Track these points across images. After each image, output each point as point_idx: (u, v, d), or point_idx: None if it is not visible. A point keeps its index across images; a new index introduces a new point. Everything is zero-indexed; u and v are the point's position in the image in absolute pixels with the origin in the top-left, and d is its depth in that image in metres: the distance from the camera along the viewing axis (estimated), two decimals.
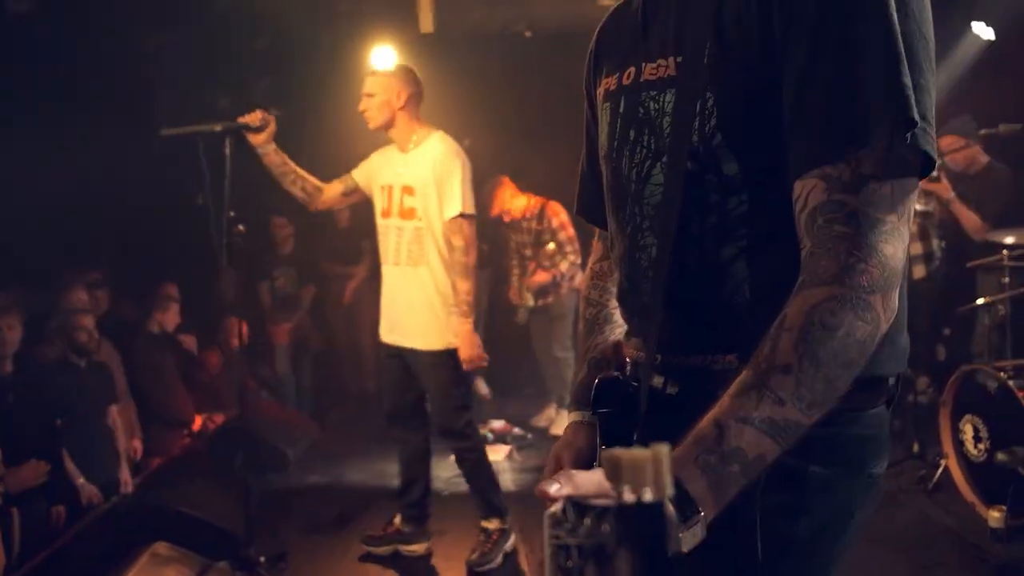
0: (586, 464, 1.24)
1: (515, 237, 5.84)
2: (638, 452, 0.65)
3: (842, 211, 0.96)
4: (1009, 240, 4.10)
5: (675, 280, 1.12)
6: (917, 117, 0.95)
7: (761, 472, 0.93)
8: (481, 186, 5.86)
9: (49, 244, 5.41)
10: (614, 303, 1.39)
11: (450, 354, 3.51)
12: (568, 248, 5.60)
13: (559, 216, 5.63)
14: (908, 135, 0.95)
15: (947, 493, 4.01)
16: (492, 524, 3.73)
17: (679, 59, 1.11)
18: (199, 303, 5.99)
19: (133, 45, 5.58)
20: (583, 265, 5.68)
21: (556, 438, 4.99)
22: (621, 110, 1.21)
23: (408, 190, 3.48)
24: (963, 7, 5.79)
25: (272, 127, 3.46)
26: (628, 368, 1.29)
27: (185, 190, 5.73)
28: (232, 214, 3.40)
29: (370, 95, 3.46)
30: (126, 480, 4.50)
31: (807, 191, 0.99)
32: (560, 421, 5.78)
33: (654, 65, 1.16)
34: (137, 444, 4.87)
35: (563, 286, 5.67)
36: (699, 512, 0.87)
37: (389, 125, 3.49)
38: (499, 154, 6.25)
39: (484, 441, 3.79)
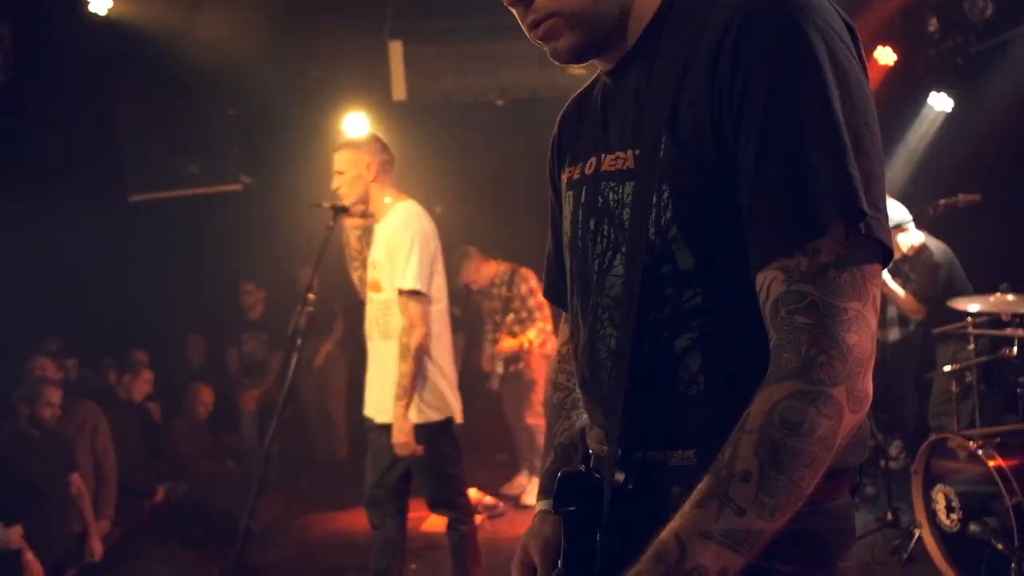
0: (553, 555, 1.22)
1: (486, 304, 5.84)
2: None
3: (803, 301, 0.95)
4: (973, 308, 4.15)
5: (632, 373, 1.11)
6: (866, 207, 0.96)
7: None
8: (450, 254, 5.90)
9: (9, 315, 5.31)
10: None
11: (424, 428, 3.37)
12: (537, 315, 5.61)
13: (528, 282, 5.65)
14: (862, 225, 0.96)
15: (922, 564, 3.97)
16: None
17: (636, 152, 1.12)
18: (165, 369, 5.90)
19: (102, 113, 5.58)
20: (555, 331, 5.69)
21: (527, 507, 4.92)
22: (583, 200, 1.22)
23: (373, 263, 3.47)
24: (920, 77, 5.99)
25: (366, 221, 3.50)
26: (591, 460, 1.27)
27: (151, 256, 5.68)
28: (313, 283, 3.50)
29: (340, 172, 3.41)
30: (95, 548, 4.36)
31: (768, 283, 0.99)
32: (532, 489, 5.70)
33: (613, 156, 1.17)
34: (104, 525, 4.71)
35: (534, 353, 5.66)
36: None
37: (364, 199, 3.43)
38: (471, 221, 6.29)
39: (476, 512, 3.60)
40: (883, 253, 1.00)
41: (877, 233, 0.97)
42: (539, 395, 5.70)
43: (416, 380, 3.27)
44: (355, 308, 6.42)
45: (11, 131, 5.40)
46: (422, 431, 3.35)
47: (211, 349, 6.82)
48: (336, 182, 3.42)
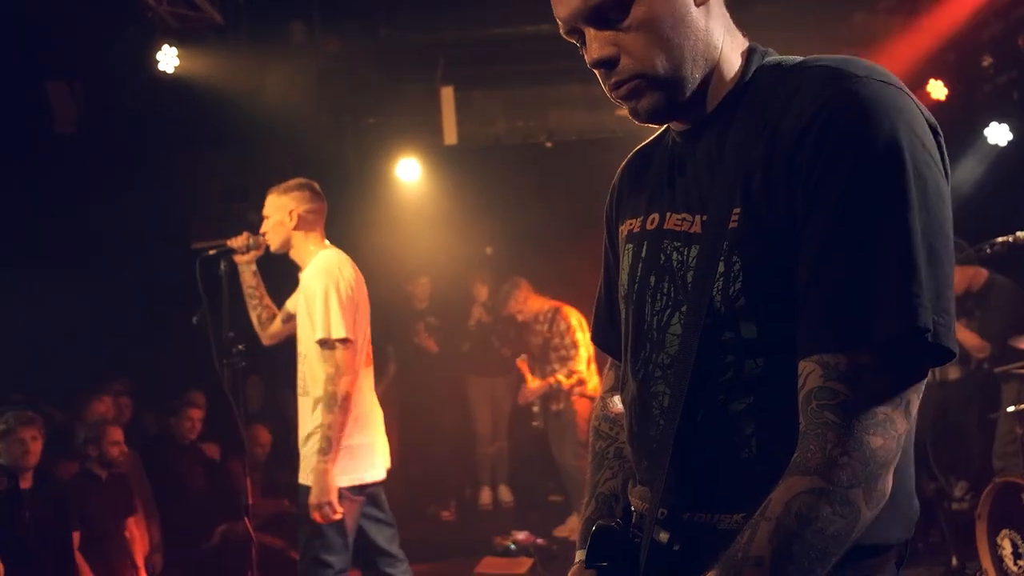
0: None
1: (531, 339, 5.87)
2: None
3: (835, 399, 0.98)
4: None
5: (684, 433, 1.13)
6: (929, 324, 0.96)
7: None
8: (500, 283, 5.97)
9: (71, 355, 5.52)
10: (624, 438, 1.38)
11: (351, 493, 3.15)
12: (572, 352, 5.57)
13: (568, 319, 5.63)
14: (930, 335, 0.96)
15: None
16: None
17: (704, 218, 1.13)
18: (224, 411, 6.02)
19: (166, 163, 5.82)
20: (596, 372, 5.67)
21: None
22: (643, 255, 1.23)
23: (288, 314, 3.42)
24: (976, 110, 5.90)
25: (260, 251, 3.43)
26: (633, 516, 1.28)
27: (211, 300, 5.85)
28: (231, 334, 3.41)
29: (266, 217, 3.33)
30: None
31: (807, 373, 1.01)
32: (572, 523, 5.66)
33: (679, 217, 1.18)
34: (158, 559, 4.82)
35: (569, 393, 5.62)
36: None
37: (286, 247, 3.32)
38: (521, 261, 6.35)
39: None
40: (941, 355, 1.00)
41: (944, 340, 0.97)
42: (577, 436, 5.65)
43: (341, 431, 3.04)
44: (407, 350, 6.53)
45: (80, 179, 5.65)
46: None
47: (269, 390, 6.95)
48: (263, 226, 3.36)
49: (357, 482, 3.14)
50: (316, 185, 3.39)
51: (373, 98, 6.40)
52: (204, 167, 6.09)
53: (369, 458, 3.21)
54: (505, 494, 6.47)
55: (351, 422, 3.12)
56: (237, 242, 3.41)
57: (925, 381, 1.03)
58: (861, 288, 0.97)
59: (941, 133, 1.06)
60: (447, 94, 6.34)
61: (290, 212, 3.27)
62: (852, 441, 0.96)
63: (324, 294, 3.12)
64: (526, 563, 5.25)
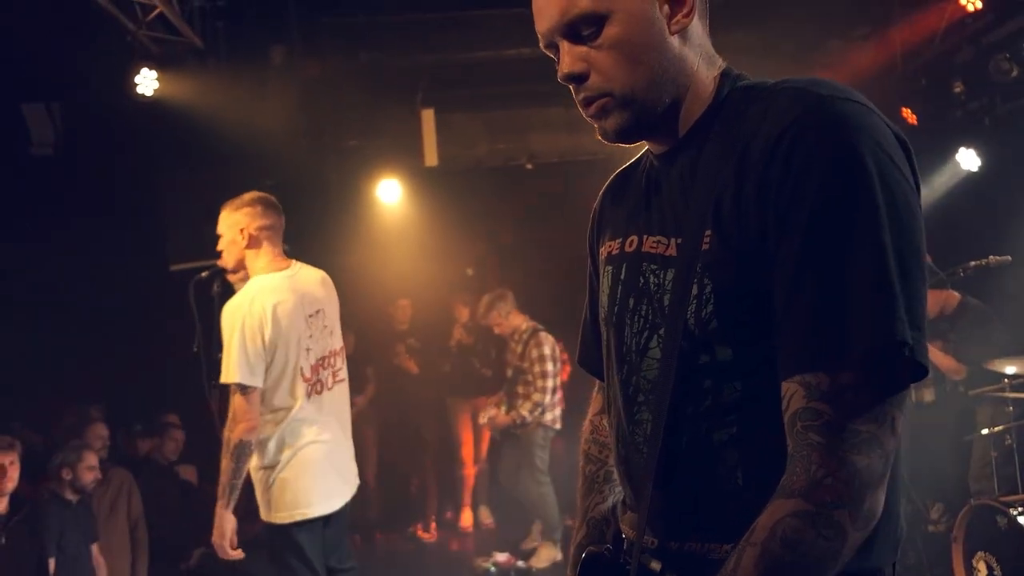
0: None
1: (504, 355, 5.84)
2: None
3: (818, 420, 0.97)
4: (1010, 370, 4.09)
5: (667, 462, 1.13)
6: (907, 338, 0.96)
7: None
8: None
9: (46, 377, 5.45)
10: (612, 460, 1.39)
11: (272, 529, 3.09)
12: (538, 383, 5.43)
13: (541, 348, 5.48)
14: (907, 349, 0.96)
15: None
16: None
17: (679, 240, 1.14)
18: (200, 433, 5.97)
19: (144, 186, 5.79)
20: (553, 402, 5.64)
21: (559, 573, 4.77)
22: (622, 277, 1.24)
23: None
24: (946, 135, 6.00)
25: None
26: (624, 543, 1.27)
27: (189, 322, 5.80)
28: (220, 355, 3.33)
29: (220, 235, 3.17)
30: None
31: (790, 394, 1.01)
32: (545, 553, 5.57)
33: (655, 240, 1.19)
34: None
35: (530, 421, 5.50)
36: None
37: (240, 266, 3.16)
38: (502, 282, 6.35)
39: None
40: (915, 372, 1.00)
41: (918, 356, 0.98)
42: (536, 461, 5.54)
43: (237, 478, 2.96)
44: (388, 371, 6.50)
45: (58, 201, 5.61)
46: (276, 531, 3.08)
47: None
48: (219, 244, 3.20)
49: (297, 517, 3.03)
50: (272, 198, 3.23)
51: (354, 120, 6.40)
52: (182, 190, 6.05)
53: (299, 494, 3.03)
54: (486, 516, 6.43)
55: (286, 458, 3.02)
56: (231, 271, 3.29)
57: (907, 399, 1.02)
58: (836, 307, 0.97)
59: (911, 149, 1.07)
60: (428, 116, 6.36)
61: (241, 230, 3.10)
62: (836, 461, 0.96)
63: (240, 331, 2.95)
64: None
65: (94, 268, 5.53)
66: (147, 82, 5.07)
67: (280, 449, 3.03)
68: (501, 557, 5.57)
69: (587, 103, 1.15)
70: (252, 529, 5.52)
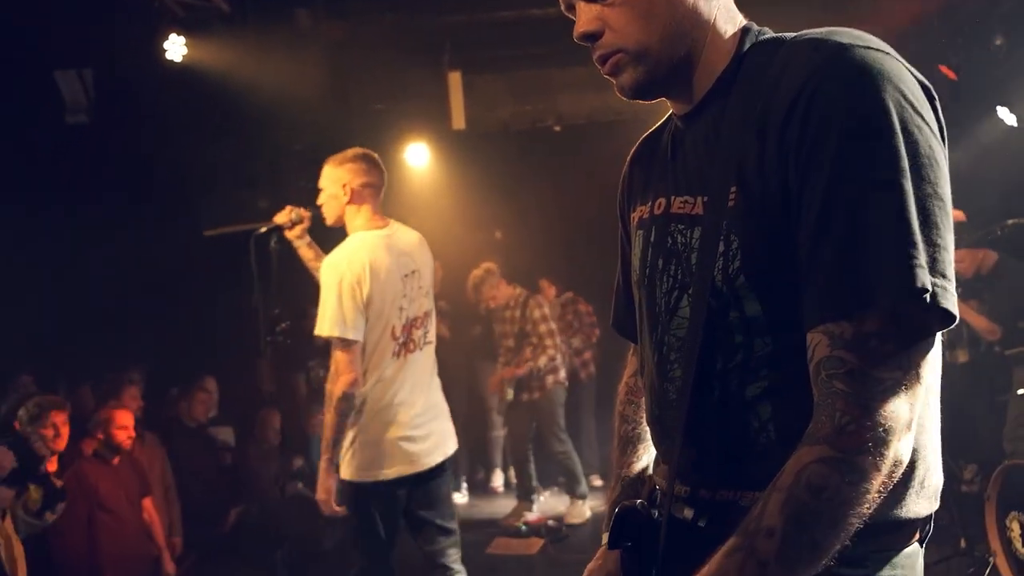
0: None
1: (498, 327, 5.88)
2: None
3: (842, 368, 0.98)
4: None
5: (700, 416, 1.14)
6: (927, 284, 0.96)
7: None
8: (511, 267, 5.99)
9: (82, 341, 5.57)
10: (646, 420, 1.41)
11: (351, 486, 3.09)
12: (548, 342, 5.57)
13: (540, 309, 5.62)
14: (927, 296, 0.97)
15: None
16: None
17: (705, 199, 1.15)
18: (237, 396, 6.09)
19: (176, 152, 5.84)
20: (570, 359, 5.70)
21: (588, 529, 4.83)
22: (652, 239, 1.25)
23: None
24: (986, 91, 5.86)
25: (305, 223, 3.36)
26: (657, 496, 1.29)
27: (222, 287, 5.88)
28: (277, 311, 3.34)
29: (321, 189, 3.19)
30: (168, 572, 4.53)
31: (814, 344, 1.02)
32: (575, 511, 5.71)
33: (682, 200, 1.20)
34: (177, 541, 4.90)
35: (547, 380, 5.64)
36: None
37: (340, 221, 3.17)
38: (530, 245, 6.36)
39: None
40: (942, 320, 1.00)
41: (943, 302, 0.98)
42: (560, 421, 5.70)
43: (340, 433, 2.98)
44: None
45: (92, 169, 5.68)
46: (350, 488, 3.08)
47: (280, 375, 7.01)
48: (319, 198, 3.22)
49: (369, 479, 3.05)
50: (374, 156, 3.21)
51: (380, 84, 6.39)
52: (212, 155, 6.11)
53: (376, 456, 3.05)
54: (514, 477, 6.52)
55: (368, 418, 3.05)
56: (281, 218, 3.35)
57: (933, 345, 1.02)
58: (858, 256, 0.98)
59: (936, 96, 1.05)
60: (454, 79, 6.33)
61: (344, 185, 3.11)
62: (860, 408, 0.96)
63: (336, 288, 2.97)
64: (537, 544, 5.31)
65: (127, 233, 5.61)
66: (176, 48, 5.10)
67: (364, 409, 3.05)
68: (532, 516, 5.65)
69: (602, 61, 1.16)
70: (291, 487, 5.64)
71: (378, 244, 3.09)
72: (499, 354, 5.90)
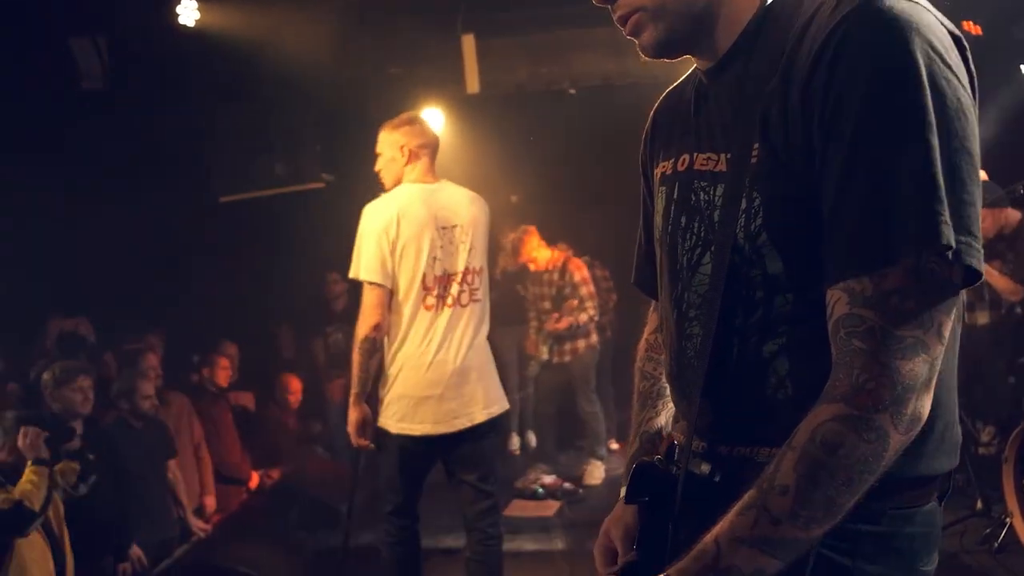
0: (632, 541, 1.27)
1: (533, 289, 5.91)
2: None
3: (861, 326, 0.97)
4: None
5: (719, 373, 1.14)
6: (951, 241, 0.95)
7: None
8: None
9: (102, 308, 5.62)
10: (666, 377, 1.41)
11: (378, 432, 3.24)
12: (588, 303, 5.65)
13: (581, 271, 5.70)
14: (951, 253, 0.95)
15: (1014, 553, 3.86)
16: None
17: (728, 156, 1.14)
18: (257, 360, 6.15)
19: (191, 118, 5.85)
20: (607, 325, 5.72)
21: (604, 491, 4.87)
22: (675, 196, 1.24)
23: None
24: (1016, 48, 5.74)
25: None
26: (676, 451, 1.29)
27: (240, 252, 5.91)
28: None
29: (379, 154, 3.31)
30: (199, 527, 4.63)
31: (833, 301, 1.01)
32: (593, 473, 5.78)
33: (705, 156, 1.18)
34: (210, 501, 5.00)
35: (580, 343, 5.69)
36: None
37: (399, 182, 3.29)
38: (546, 210, 6.34)
39: (404, 535, 3.32)
40: (966, 277, 0.99)
41: (968, 259, 0.97)
42: (591, 383, 5.78)
43: (365, 372, 3.11)
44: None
45: (107, 135, 5.70)
46: (383, 433, 3.22)
47: (300, 340, 7.08)
48: (377, 164, 3.33)
49: (396, 431, 3.16)
50: (422, 117, 3.39)
51: (395, 48, 6.34)
52: (228, 121, 6.11)
53: (406, 410, 3.15)
54: (532, 440, 6.57)
55: (401, 370, 3.14)
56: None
57: (956, 303, 1.01)
58: (880, 211, 0.96)
59: (967, 46, 1.03)
60: (468, 42, 6.26)
61: (401, 147, 3.22)
62: (878, 366, 0.95)
63: (366, 233, 3.12)
64: (553, 506, 5.37)
65: (144, 199, 5.63)
66: (188, 12, 5.08)
67: (397, 359, 3.15)
68: (548, 479, 5.70)
69: (623, 22, 1.15)
70: (311, 450, 5.72)
71: (415, 195, 3.18)
72: (531, 317, 5.91)
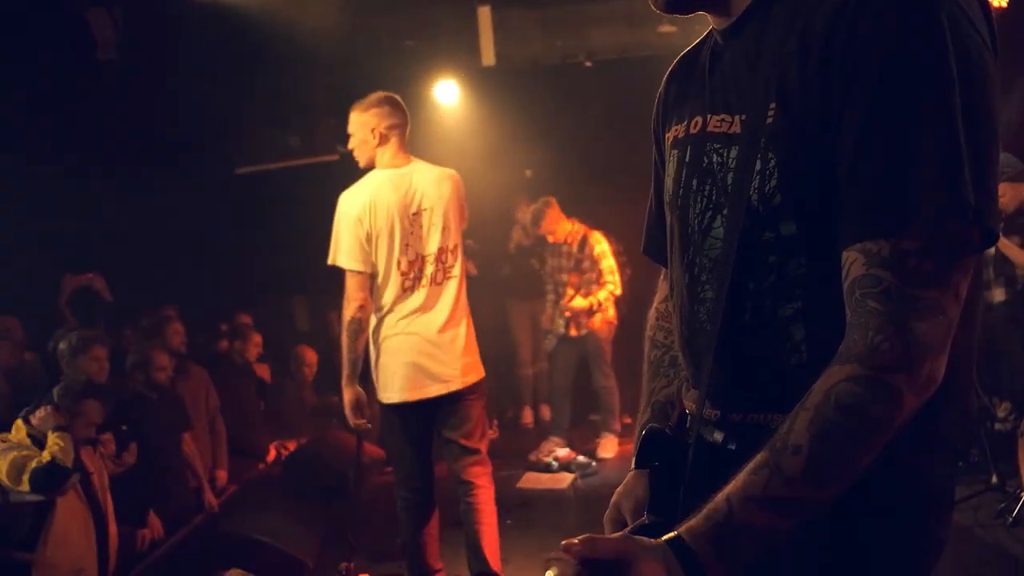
0: (642, 512, 1.27)
1: (551, 261, 5.89)
2: None
3: (878, 287, 0.96)
4: None
5: (731, 338, 1.13)
6: (970, 201, 0.94)
7: (778, 540, 0.97)
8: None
9: (118, 280, 5.66)
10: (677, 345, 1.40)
11: (382, 409, 3.42)
12: (608, 278, 5.65)
13: (600, 244, 5.69)
14: (970, 212, 0.94)
15: None
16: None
17: (743, 117, 1.12)
18: (273, 333, 6.19)
19: (207, 90, 5.84)
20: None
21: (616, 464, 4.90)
22: (687, 159, 1.22)
23: None
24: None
25: None
26: (687, 420, 1.29)
27: (256, 224, 5.93)
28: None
29: (351, 135, 3.38)
30: (211, 502, 4.68)
31: (849, 263, 1.00)
32: (606, 446, 5.81)
33: (719, 118, 1.17)
34: (222, 474, 5.05)
35: (597, 317, 5.71)
36: None
37: (372, 163, 3.36)
38: (560, 184, 6.32)
39: (418, 498, 3.45)
40: (984, 238, 0.98)
41: (982, 219, 0.96)
42: (606, 357, 5.78)
43: (353, 352, 3.26)
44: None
45: (123, 106, 5.71)
46: (383, 409, 3.40)
47: (315, 312, 7.12)
48: (349, 143, 3.40)
49: (385, 400, 3.34)
50: (396, 97, 3.40)
51: (410, 20, 6.31)
52: (243, 93, 6.10)
53: (388, 381, 3.32)
54: (547, 413, 6.59)
55: (383, 345, 3.30)
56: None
57: (973, 264, 1.00)
58: (897, 171, 0.95)
59: (991, 9, 1.02)
60: (484, 14, 6.22)
61: (372, 130, 3.29)
62: (893, 327, 0.95)
63: (341, 219, 3.25)
64: (567, 479, 5.40)
65: (160, 171, 5.65)
66: None
67: (379, 336, 3.31)
68: (561, 452, 5.73)
69: None
70: (327, 423, 5.76)
71: (385, 183, 3.28)
72: (548, 290, 5.92)
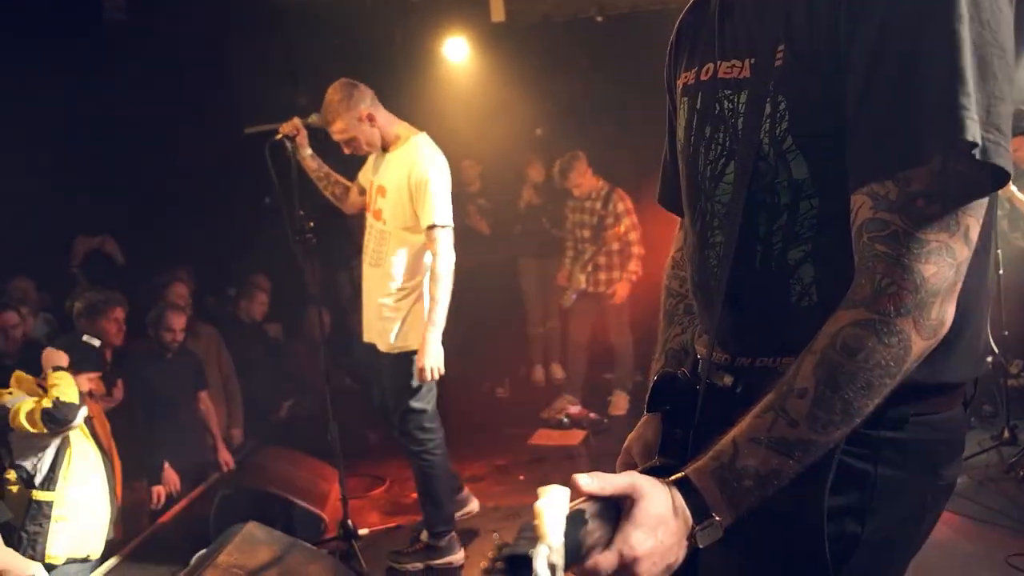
0: (652, 455, 1.28)
1: (573, 217, 5.85)
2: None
3: (885, 230, 0.95)
4: None
5: (741, 281, 1.13)
6: (978, 136, 0.92)
7: (783, 482, 0.97)
8: (552, 164, 5.94)
9: (130, 241, 5.67)
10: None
11: (400, 358, 3.50)
12: (632, 235, 5.62)
13: (625, 201, 5.65)
14: (977, 151, 0.92)
15: None
16: (424, 536, 3.69)
17: (752, 61, 1.11)
18: (285, 293, 6.21)
19: (214, 45, 5.80)
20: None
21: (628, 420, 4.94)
22: (698, 106, 1.22)
23: (381, 191, 3.48)
24: None
25: (302, 131, 3.58)
26: (700, 364, 1.29)
27: (265, 185, 5.89)
28: (301, 212, 3.51)
29: (347, 141, 3.48)
30: (226, 460, 4.75)
31: (857, 207, 0.99)
32: (618, 402, 5.85)
33: (729, 64, 1.16)
34: (237, 433, 5.11)
35: (616, 273, 5.71)
36: (713, 516, 0.96)
37: (372, 144, 3.49)
38: (571, 141, 6.26)
39: (435, 449, 3.63)
40: (994, 177, 0.96)
41: (994, 157, 0.94)
42: (625, 315, 5.77)
43: (442, 307, 3.37)
44: (458, 232, 6.59)
45: (131, 66, 5.67)
46: (399, 359, 3.50)
47: (326, 274, 7.12)
48: (347, 148, 3.49)
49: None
50: (345, 79, 3.49)
51: None
52: (252, 52, 6.05)
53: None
54: (557, 371, 6.62)
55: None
56: (287, 128, 3.55)
57: (984, 204, 0.98)
58: (905, 111, 0.94)
59: None
60: None
61: (363, 116, 3.40)
62: (901, 270, 0.94)
63: (434, 182, 3.34)
64: (579, 435, 5.44)
65: (171, 131, 5.63)
66: None
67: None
68: (573, 409, 5.77)
69: None
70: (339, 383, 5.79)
71: (433, 143, 3.49)
72: (568, 246, 5.90)
